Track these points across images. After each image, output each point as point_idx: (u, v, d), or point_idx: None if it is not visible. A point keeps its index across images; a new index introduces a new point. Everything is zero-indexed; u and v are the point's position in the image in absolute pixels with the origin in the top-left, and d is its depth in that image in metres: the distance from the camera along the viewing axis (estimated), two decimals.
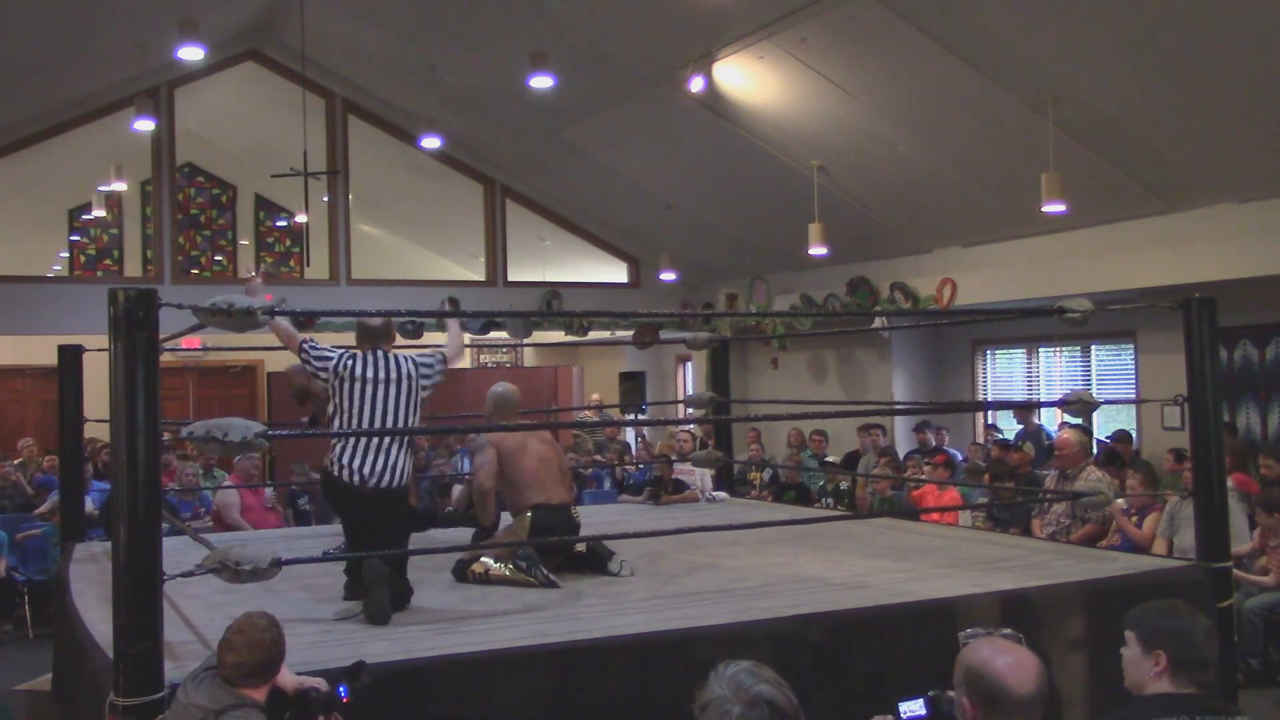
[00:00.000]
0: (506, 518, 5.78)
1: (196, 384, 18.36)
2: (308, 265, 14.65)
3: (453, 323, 5.35)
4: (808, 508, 9.41)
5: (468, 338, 14.88)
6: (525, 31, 10.19)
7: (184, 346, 14.04)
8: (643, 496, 8.27)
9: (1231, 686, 4.90)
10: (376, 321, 4.94)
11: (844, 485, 10.23)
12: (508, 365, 19.73)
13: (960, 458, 11.02)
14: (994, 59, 8.49)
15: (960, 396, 12.76)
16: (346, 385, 4.74)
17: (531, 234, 15.13)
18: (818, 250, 11.27)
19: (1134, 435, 10.44)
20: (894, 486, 9.51)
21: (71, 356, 6.84)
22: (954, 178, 10.22)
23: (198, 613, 4.48)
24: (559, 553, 5.42)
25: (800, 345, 14.03)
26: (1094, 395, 5.91)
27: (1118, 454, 9.32)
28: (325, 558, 4.79)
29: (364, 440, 4.71)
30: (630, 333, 12.21)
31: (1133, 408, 10.69)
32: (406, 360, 4.86)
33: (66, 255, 17.76)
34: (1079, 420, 7.85)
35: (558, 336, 15.58)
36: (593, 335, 14.23)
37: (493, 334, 13.85)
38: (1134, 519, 7.56)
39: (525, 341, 15.51)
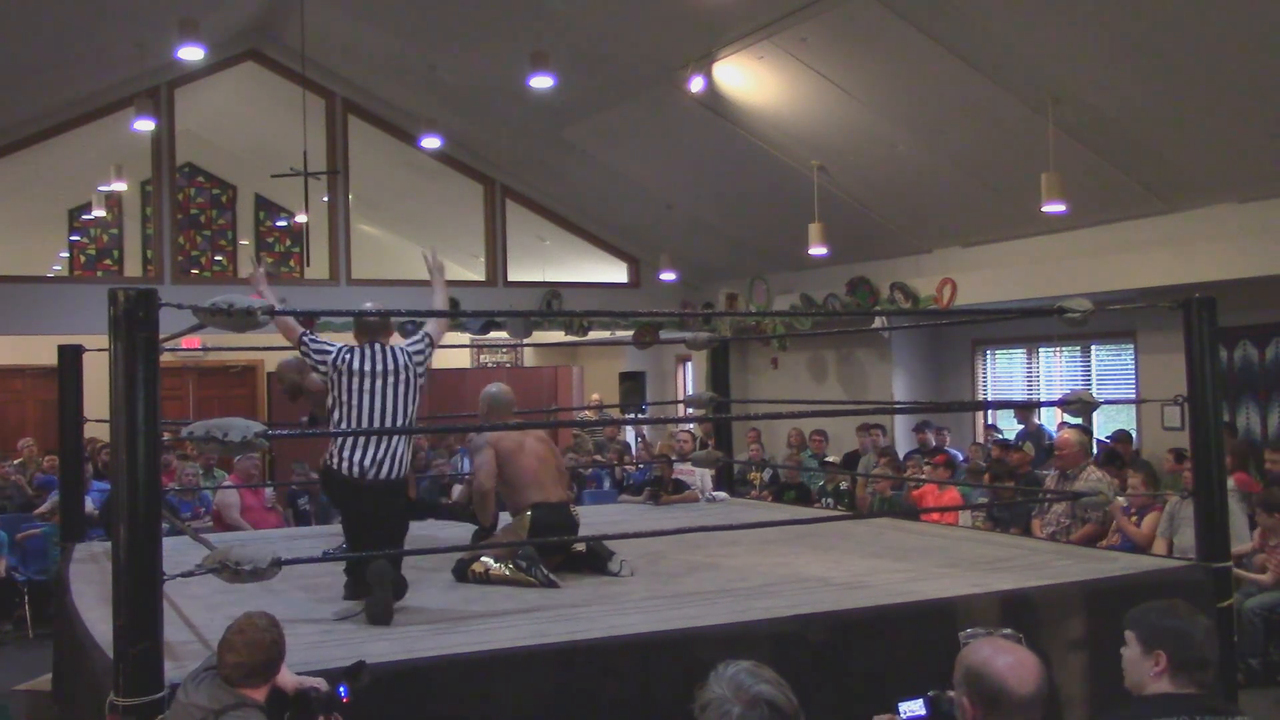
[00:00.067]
0: (505, 517, 5.78)
1: (196, 384, 18.36)
2: (308, 265, 14.65)
3: (437, 292, 5.32)
4: (808, 508, 9.41)
5: (467, 338, 14.89)
6: (525, 31, 10.19)
7: (184, 346, 14.04)
8: (643, 496, 8.27)
9: (1231, 686, 4.90)
10: (374, 315, 4.96)
11: (844, 485, 10.23)
12: (508, 365, 19.72)
13: (961, 458, 11.03)
14: (994, 59, 8.49)
15: (960, 396, 12.76)
16: (345, 379, 4.78)
17: (531, 234, 15.13)
18: (818, 250, 11.27)
19: (1134, 435, 10.44)
20: (894, 486, 9.50)
21: (71, 356, 6.84)
22: (954, 178, 10.22)
23: (198, 613, 4.48)
24: (558, 551, 5.42)
25: (800, 345, 14.03)
26: (1094, 395, 5.91)
27: (1118, 454, 9.32)
28: (325, 558, 4.80)
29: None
30: (630, 333, 12.21)
31: (1133, 408, 10.69)
32: (402, 352, 4.89)
33: (66, 255, 17.76)
34: (1079, 420, 7.85)
35: (558, 336, 15.58)
36: (593, 335, 14.24)
37: (493, 334, 13.85)
38: (1134, 519, 7.56)
39: (525, 341, 15.51)
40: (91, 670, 4.04)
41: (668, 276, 14.29)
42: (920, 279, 11.75)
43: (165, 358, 4.27)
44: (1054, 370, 12.18)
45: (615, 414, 14.80)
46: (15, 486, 10.76)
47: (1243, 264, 8.66)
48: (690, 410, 9.41)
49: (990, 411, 12.64)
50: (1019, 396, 12.46)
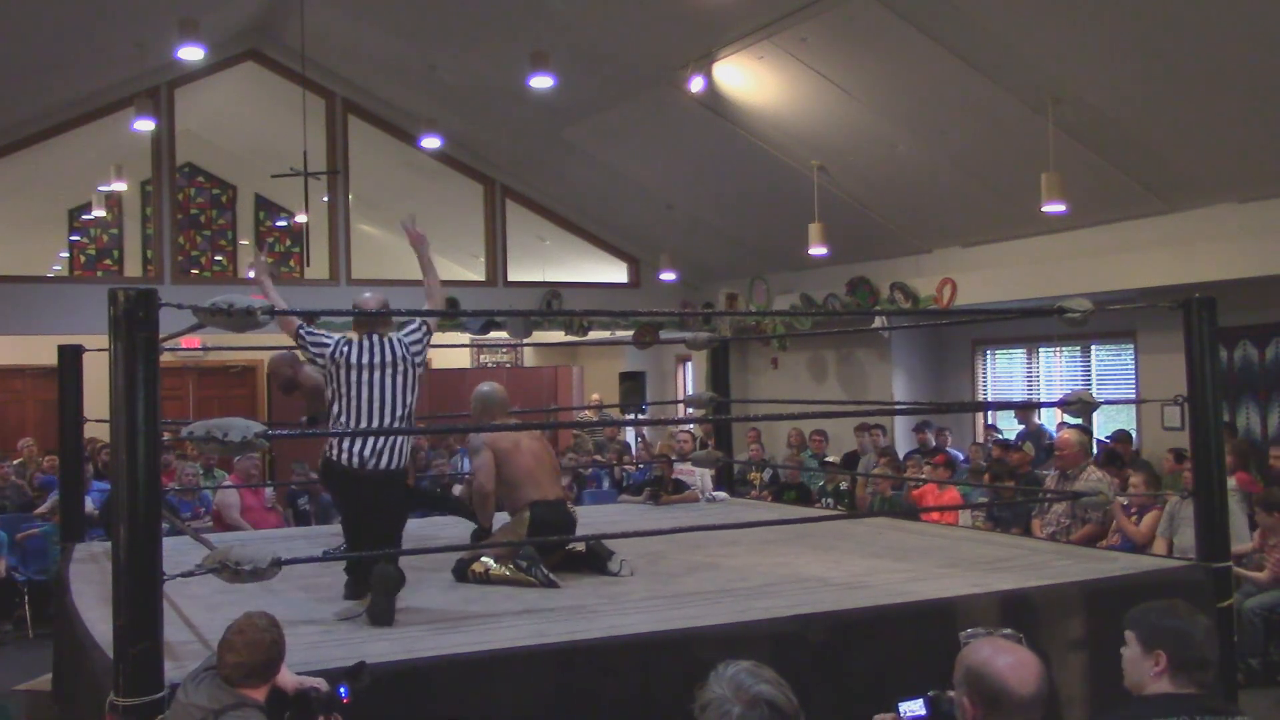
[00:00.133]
0: (501, 516, 5.78)
1: (196, 384, 18.37)
2: (308, 265, 14.65)
3: (429, 279, 5.31)
4: (808, 508, 9.41)
5: (467, 337, 14.89)
6: (525, 31, 10.19)
7: (184, 346, 14.06)
8: (643, 496, 8.27)
9: (1231, 686, 4.90)
10: (372, 306, 4.97)
11: (844, 485, 10.23)
12: (508, 365, 19.73)
13: (962, 458, 11.03)
14: (994, 59, 8.49)
15: (960, 396, 12.76)
16: (344, 372, 4.79)
17: (531, 234, 15.14)
18: (818, 250, 11.27)
19: (1134, 435, 10.44)
20: (894, 486, 9.50)
21: (71, 356, 6.83)
22: (954, 178, 10.22)
23: (198, 613, 4.48)
24: (557, 550, 5.42)
25: (800, 345, 14.03)
26: (1094, 395, 5.91)
27: (1118, 454, 9.32)
28: (325, 557, 4.79)
29: (363, 424, 4.76)
30: (630, 333, 12.20)
31: (1133, 408, 10.69)
32: (400, 344, 4.90)
33: (66, 255, 17.77)
34: (1079, 420, 7.85)
35: (558, 336, 15.58)
36: (593, 335, 14.24)
37: (493, 334, 13.85)
38: (1134, 518, 7.56)
39: (525, 341, 15.51)
40: (91, 670, 4.04)
41: (668, 276, 14.29)
42: (920, 279, 11.75)
43: (165, 358, 4.27)
44: (1054, 370, 12.17)
45: (615, 414, 14.80)
46: (15, 487, 10.75)
47: (1243, 264, 8.66)
48: (690, 410, 9.40)
49: (990, 411, 12.64)
50: (1019, 396, 12.45)
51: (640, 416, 13.51)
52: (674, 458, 8.80)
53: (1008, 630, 2.70)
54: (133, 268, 17.23)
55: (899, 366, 13.04)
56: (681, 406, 13.30)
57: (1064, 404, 5.60)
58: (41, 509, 10.08)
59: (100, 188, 14.66)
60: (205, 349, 14.68)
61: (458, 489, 9.75)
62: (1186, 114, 8.23)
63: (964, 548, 5.97)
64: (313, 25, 11.42)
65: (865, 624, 4.40)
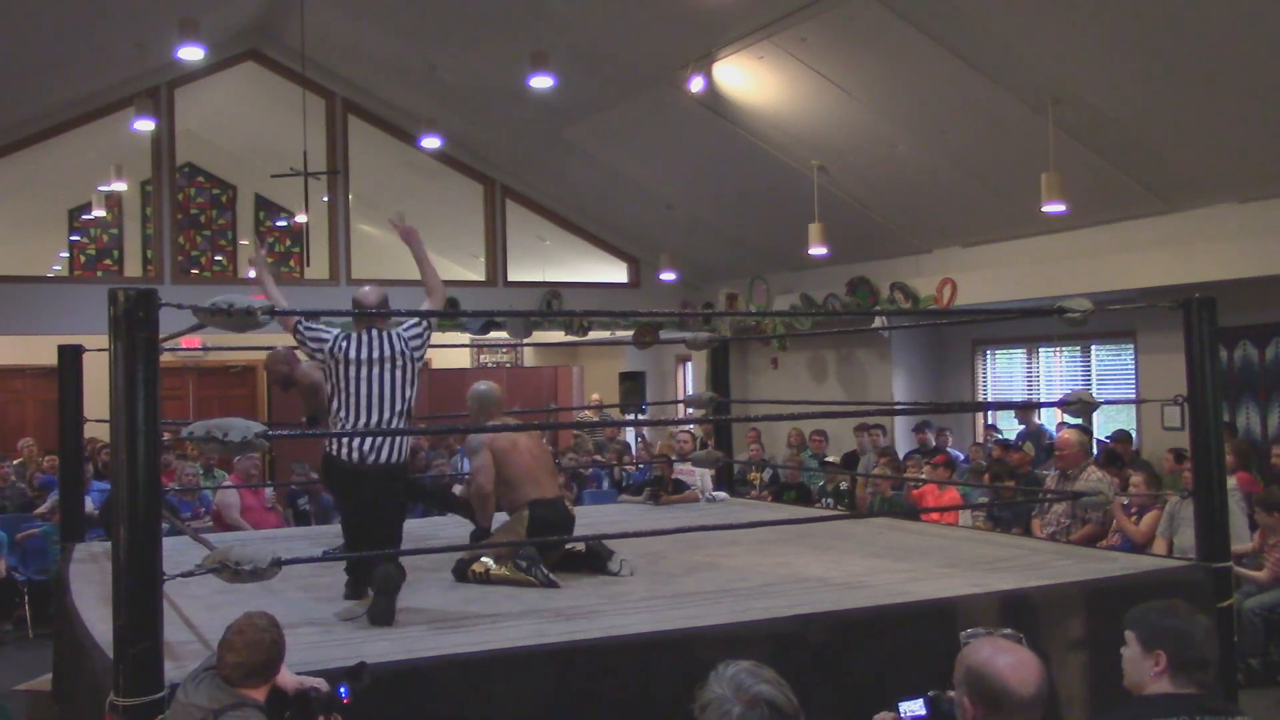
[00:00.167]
0: (500, 516, 5.77)
1: (196, 384, 18.37)
2: (308, 265, 14.65)
3: (427, 275, 5.27)
4: (808, 508, 9.41)
5: (467, 337, 14.88)
6: (525, 31, 10.19)
7: (184, 346, 14.04)
8: (643, 496, 8.26)
9: (1231, 686, 4.90)
10: (372, 300, 4.96)
11: (844, 485, 10.23)
12: (508, 365, 19.73)
13: (962, 458, 11.03)
14: (994, 59, 8.49)
15: (960, 396, 12.76)
16: (342, 367, 4.79)
17: (531, 234, 15.13)
18: (818, 250, 11.27)
19: (1134, 435, 10.44)
20: (894, 486, 9.51)
21: (71, 356, 6.83)
22: (954, 178, 10.22)
23: (198, 613, 4.48)
24: (556, 549, 5.42)
25: (800, 345, 14.03)
26: (1094, 395, 5.90)
27: (1118, 454, 9.32)
28: (325, 557, 4.79)
29: (362, 419, 4.75)
30: (630, 333, 12.21)
31: (1133, 408, 10.69)
32: (399, 338, 4.89)
33: (66, 255, 17.77)
34: (1079, 420, 7.85)
35: (558, 336, 15.58)
36: (593, 335, 14.23)
37: (493, 334, 13.85)
38: (1134, 518, 7.56)
39: (525, 341, 15.51)
40: (91, 670, 4.04)
41: (668, 276, 14.29)
42: (920, 279, 11.75)
43: (165, 358, 4.27)
44: (1054, 370, 12.17)
45: (615, 414, 14.80)
46: (15, 488, 10.75)
47: (1243, 264, 8.66)
48: (690, 410, 9.40)
49: (990, 411, 12.64)
50: (1019, 396, 12.45)
51: (640, 416, 13.51)
52: (674, 458, 8.80)
53: (1008, 630, 2.69)
54: (133, 268, 17.23)
55: (899, 366, 13.04)
56: (681, 406, 13.30)
57: (1064, 404, 5.60)
58: (41, 509, 10.08)
59: (100, 188, 14.66)
60: (205, 349, 14.66)
61: (458, 489, 9.75)
62: (1186, 114, 8.23)
63: (964, 548, 5.97)
64: (313, 25, 11.42)
65: (865, 624, 4.40)
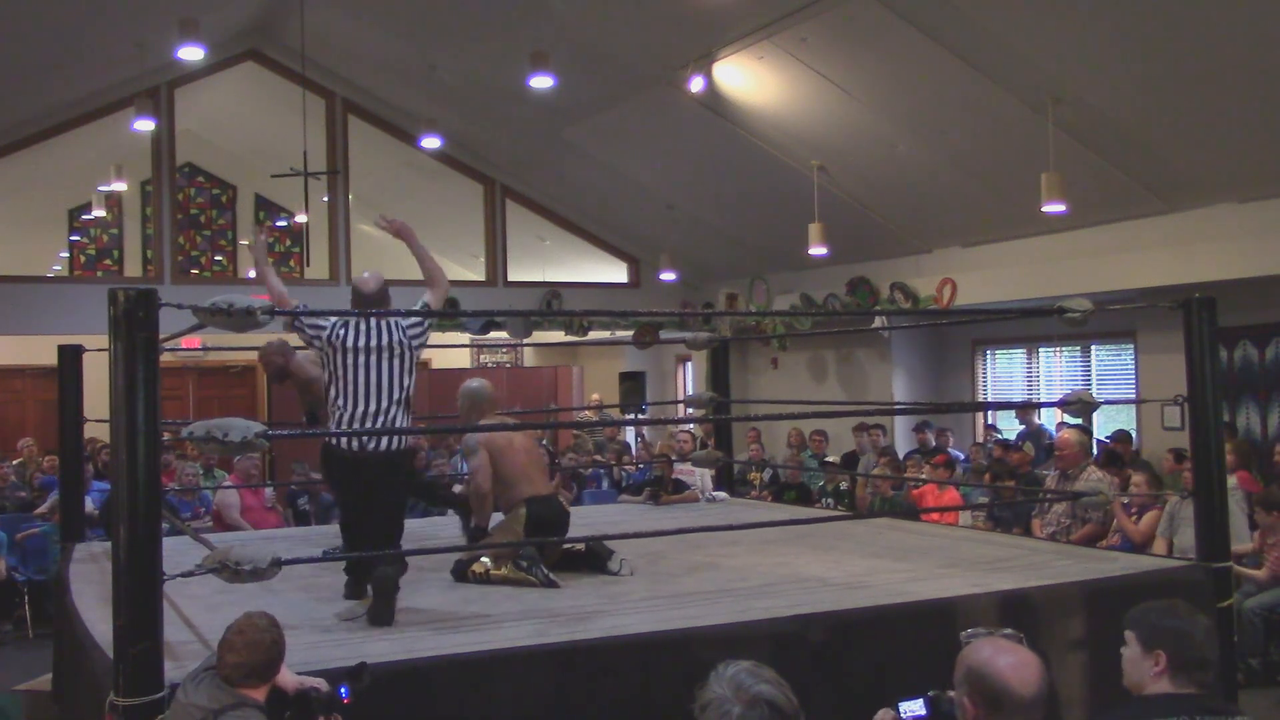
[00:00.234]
0: (496, 515, 5.76)
1: (196, 384, 18.37)
2: (308, 265, 14.65)
3: (427, 267, 5.20)
4: (808, 508, 9.41)
5: (467, 337, 14.87)
6: (525, 31, 10.19)
7: (184, 346, 14.04)
8: (643, 496, 8.27)
9: (1231, 686, 4.90)
10: (371, 286, 4.92)
11: (844, 485, 10.23)
12: (508, 365, 19.73)
13: (962, 458, 11.03)
14: (994, 59, 8.49)
15: (960, 396, 12.76)
16: (340, 355, 4.74)
17: (531, 234, 15.13)
18: (818, 250, 11.27)
19: (1134, 435, 10.44)
20: (894, 486, 9.51)
21: (71, 356, 6.83)
22: (954, 178, 10.22)
23: (198, 613, 4.48)
24: (556, 548, 5.42)
25: (800, 345, 14.03)
26: (1094, 395, 5.90)
27: (1118, 454, 9.32)
28: (325, 557, 4.79)
29: (360, 408, 4.70)
30: (630, 333, 12.20)
31: (1133, 408, 10.69)
32: (397, 327, 4.83)
33: (66, 255, 17.77)
34: (1079, 420, 7.85)
35: (558, 336, 15.58)
36: (593, 335, 14.23)
37: (493, 334, 13.85)
38: (1134, 518, 7.56)
39: (525, 341, 15.51)
40: (91, 670, 4.04)
41: (668, 276, 14.29)
42: (920, 279, 11.74)
43: (165, 358, 4.27)
44: (1054, 370, 12.17)
45: (615, 414, 14.80)
46: (15, 488, 10.75)
47: (1243, 264, 8.66)
48: (690, 410, 9.40)
49: (990, 411, 12.64)
50: (1019, 396, 12.45)
51: (640, 416, 13.51)
52: (674, 458, 8.80)
53: (1008, 630, 2.69)
54: (133, 268, 17.23)
55: (899, 366, 13.04)
56: (681, 406, 13.30)
57: (1064, 404, 5.59)
58: (41, 509, 10.08)
59: (100, 188, 14.66)
60: (205, 349, 14.69)
61: (458, 489, 9.75)
62: (1186, 114, 8.23)
63: (964, 548, 5.97)
64: (313, 25, 11.42)
65: (865, 624, 4.40)
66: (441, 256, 5.43)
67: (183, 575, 3.71)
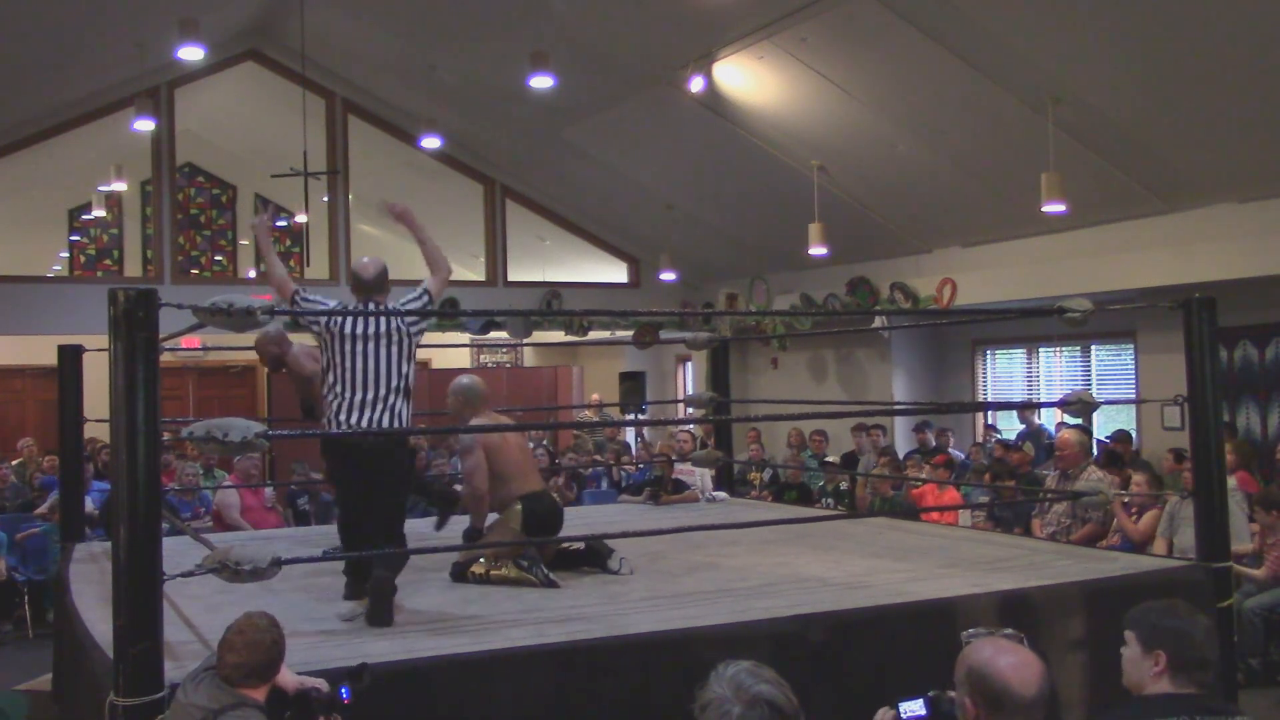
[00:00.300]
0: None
1: (196, 384, 18.38)
2: (308, 265, 14.65)
3: (428, 252, 5.19)
4: (809, 508, 9.41)
5: (467, 337, 14.86)
6: (525, 31, 10.19)
7: (184, 346, 14.06)
8: (643, 496, 8.27)
9: (1231, 686, 4.90)
10: (370, 271, 4.88)
11: (844, 485, 10.22)
12: (508, 365, 19.73)
13: (963, 457, 11.02)
14: (994, 59, 8.49)
15: (960, 396, 12.75)
16: (337, 341, 4.70)
17: (531, 234, 15.14)
18: (818, 250, 11.27)
19: (1134, 435, 10.44)
20: (894, 486, 9.50)
21: (71, 356, 6.83)
22: (954, 178, 10.22)
23: (198, 613, 4.48)
24: (555, 546, 5.41)
25: (800, 345, 14.03)
26: (1094, 395, 5.90)
27: (1118, 454, 9.32)
28: (325, 557, 4.78)
29: (357, 395, 4.66)
30: (630, 333, 12.20)
31: (1133, 408, 10.69)
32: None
33: (66, 255, 17.77)
34: (1079, 420, 7.85)
35: (558, 336, 15.58)
36: (593, 335, 14.24)
37: (493, 334, 13.85)
38: (1134, 517, 7.56)
39: (525, 341, 15.51)
40: (91, 670, 4.04)
41: (668, 276, 14.29)
42: (920, 279, 11.74)
43: (165, 358, 4.27)
44: (1054, 370, 12.17)
45: (615, 413, 14.80)
46: (15, 488, 10.75)
47: (1243, 264, 8.66)
48: (690, 410, 9.40)
49: (990, 411, 12.65)
50: (1019, 396, 12.45)
51: (640, 416, 13.51)
52: (674, 458, 8.80)
53: (1009, 630, 2.69)
54: (133, 268, 17.22)
55: (899, 366, 13.04)
56: (681, 406, 13.30)
57: (1064, 404, 5.59)
58: (41, 509, 10.07)
59: (100, 188, 14.66)
60: (205, 349, 14.68)
61: (458, 489, 9.74)
62: (1186, 114, 8.23)
63: (964, 548, 5.97)
64: (313, 25, 11.42)
65: (865, 624, 4.40)
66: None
67: (183, 575, 3.71)
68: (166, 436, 8.71)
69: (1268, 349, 9.60)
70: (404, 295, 4.94)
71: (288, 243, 18.29)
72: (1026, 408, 11.44)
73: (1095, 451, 9.19)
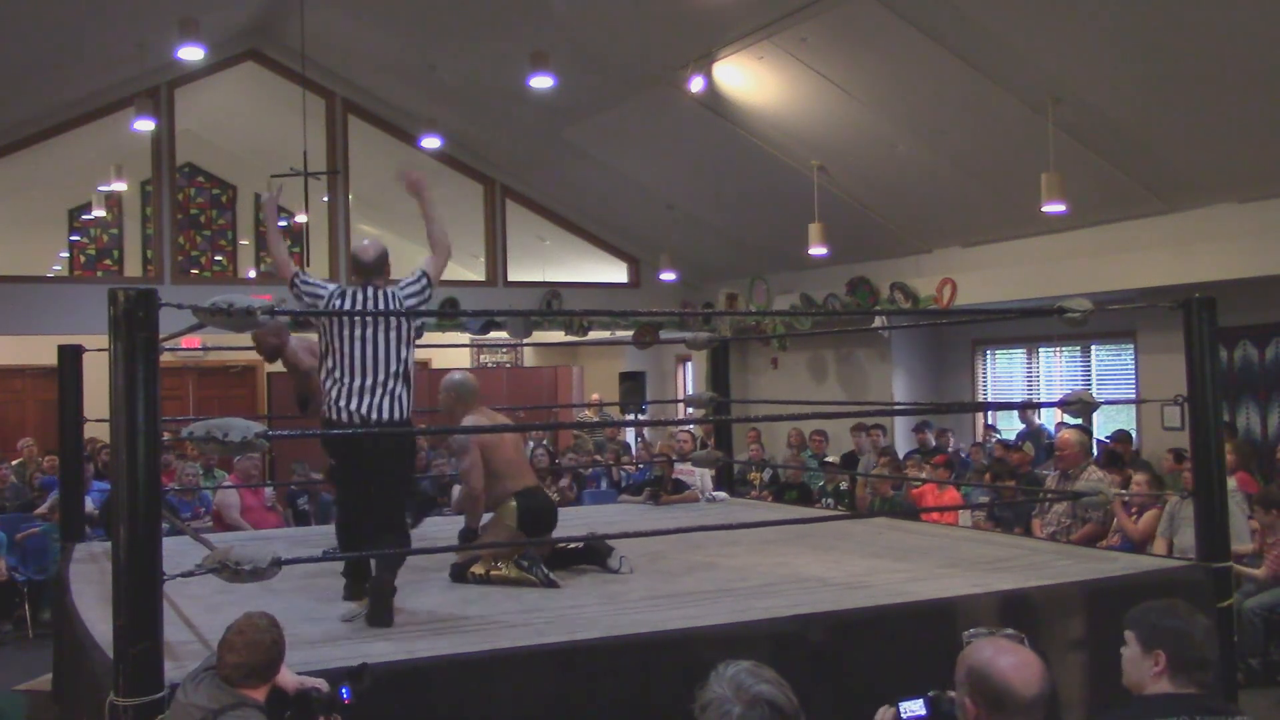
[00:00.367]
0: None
1: (196, 384, 18.37)
2: (308, 265, 14.64)
3: (432, 229, 5.15)
4: (809, 508, 9.41)
5: (467, 337, 14.86)
6: (525, 31, 10.19)
7: (184, 346, 14.05)
8: (643, 496, 8.26)
9: (1231, 686, 4.90)
10: (370, 254, 4.82)
11: (844, 485, 10.22)
12: (508, 365, 19.73)
13: (964, 455, 11.03)
14: (994, 59, 8.49)
15: (960, 396, 12.76)
16: (336, 325, 4.66)
17: (531, 234, 15.14)
18: (818, 250, 11.27)
19: (1134, 435, 10.44)
20: (894, 486, 9.50)
21: (71, 356, 6.83)
22: (954, 178, 10.22)
23: (198, 613, 4.47)
24: (552, 545, 5.41)
25: (800, 345, 14.03)
26: (1094, 395, 5.90)
27: (1118, 454, 9.32)
28: (325, 557, 4.78)
29: (359, 380, 4.62)
30: (630, 333, 12.21)
31: (1133, 408, 10.69)
32: (395, 299, 4.75)
33: (66, 255, 17.77)
34: (1079, 420, 7.85)
35: (558, 336, 15.59)
36: (593, 335, 14.24)
37: (493, 334, 13.86)
38: (1134, 517, 7.57)
39: (525, 341, 15.52)
40: (91, 670, 4.04)
41: (668, 276, 14.29)
42: (920, 279, 11.75)
43: (165, 358, 4.27)
44: (1054, 370, 12.18)
45: (615, 413, 14.80)
46: (15, 488, 10.75)
47: (1243, 264, 8.66)
48: (690, 410, 9.40)
49: (990, 411, 12.65)
50: (1019, 396, 12.46)
51: (640, 416, 13.51)
52: (674, 458, 8.79)
53: (1010, 630, 2.69)
54: (133, 268, 17.22)
55: (899, 366, 13.05)
56: (681, 406, 13.30)
57: (1064, 404, 5.59)
58: (41, 509, 10.07)
59: (100, 188, 14.66)
60: (205, 349, 14.67)
61: (457, 489, 9.73)
62: (1186, 114, 8.23)
63: (964, 548, 5.97)
64: (313, 25, 11.42)
65: (865, 624, 4.39)
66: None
67: (183, 575, 3.71)
68: (166, 436, 8.71)
69: (1268, 349, 9.60)
70: (403, 279, 4.89)
71: (288, 242, 18.28)
72: (1026, 408, 11.45)
73: (1095, 451, 9.19)
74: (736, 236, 13.58)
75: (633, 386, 15.48)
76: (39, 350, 13.19)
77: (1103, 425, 10.80)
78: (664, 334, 11.51)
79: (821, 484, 10.35)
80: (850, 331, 12.28)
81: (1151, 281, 9.17)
